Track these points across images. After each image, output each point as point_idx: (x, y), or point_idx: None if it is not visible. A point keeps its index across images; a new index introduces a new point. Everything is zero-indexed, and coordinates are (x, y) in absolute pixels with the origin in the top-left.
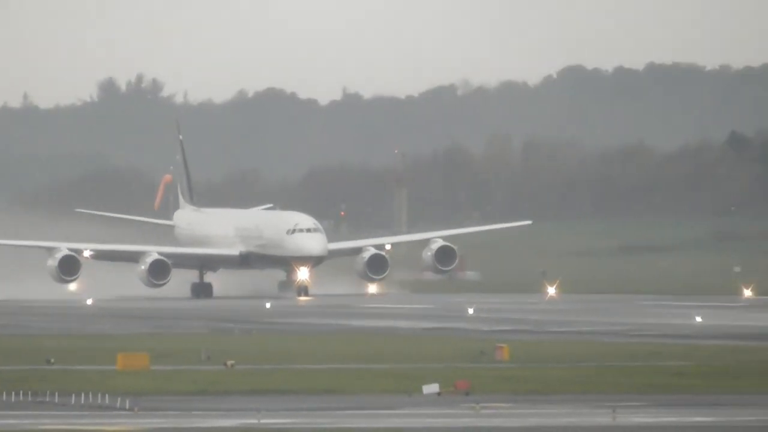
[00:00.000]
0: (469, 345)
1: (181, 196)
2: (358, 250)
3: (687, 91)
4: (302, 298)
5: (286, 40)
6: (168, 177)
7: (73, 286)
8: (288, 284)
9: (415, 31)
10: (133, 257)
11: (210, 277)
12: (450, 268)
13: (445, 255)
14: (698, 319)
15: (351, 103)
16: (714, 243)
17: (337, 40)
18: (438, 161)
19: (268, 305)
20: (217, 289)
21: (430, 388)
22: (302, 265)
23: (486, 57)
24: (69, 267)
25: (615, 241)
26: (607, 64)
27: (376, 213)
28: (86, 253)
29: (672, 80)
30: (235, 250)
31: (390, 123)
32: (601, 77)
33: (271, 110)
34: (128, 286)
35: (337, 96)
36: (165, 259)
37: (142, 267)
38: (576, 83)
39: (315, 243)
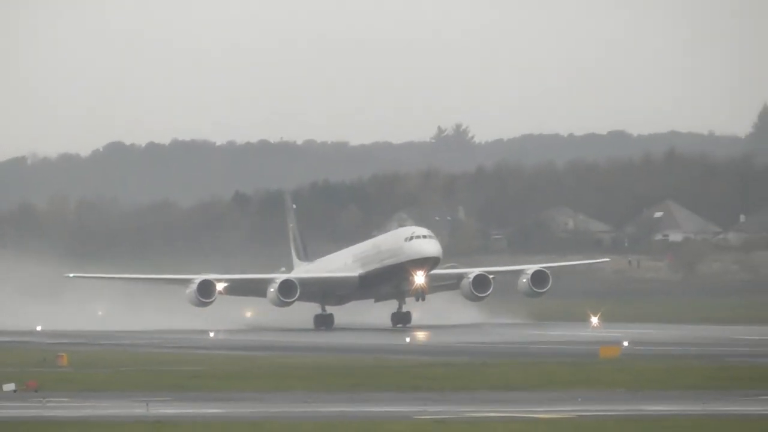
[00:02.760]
0: (36, 354)
1: (295, 257)
2: (461, 276)
3: (203, 160)
4: (410, 322)
5: None
6: None
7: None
8: (399, 315)
9: None
10: (262, 287)
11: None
12: (545, 290)
13: (540, 279)
14: (211, 335)
15: None
16: None
17: None
18: (11, 218)
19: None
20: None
21: (8, 387)
22: (420, 268)
23: (49, 131)
24: (206, 290)
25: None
26: (141, 140)
27: None
28: (219, 287)
29: (191, 152)
30: (354, 273)
31: None
32: (136, 150)
33: None
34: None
35: None
36: (292, 279)
37: (272, 289)
38: (118, 155)
39: (431, 246)
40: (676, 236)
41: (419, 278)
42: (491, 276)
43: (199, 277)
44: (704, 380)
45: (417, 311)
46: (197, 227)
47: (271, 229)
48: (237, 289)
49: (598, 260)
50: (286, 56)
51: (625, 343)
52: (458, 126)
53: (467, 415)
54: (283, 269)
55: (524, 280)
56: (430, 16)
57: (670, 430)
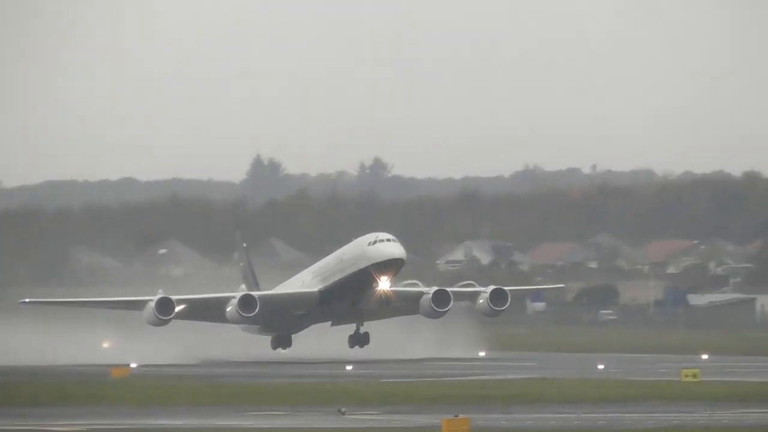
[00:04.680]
0: None
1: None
2: (419, 294)
3: None
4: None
5: None
6: None
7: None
8: (357, 337)
9: None
10: (220, 307)
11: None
12: (504, 308)
13: (499, 297)
14: None
15: None
16: None
17: None
18: None
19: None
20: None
21: None
22: (385, 272)
23: None
24: (165, 308)
25: None
26: None
27: None
28: (177, 308)
29: None
30: (314, 288)
31: None
32: None
33: None
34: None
35: None
36: (253, 294)
37: (229, 307)
38: None
39: (396, 248)
40: (177, 271)
41: (384, 283)
42: (450, 291)
43: (157, 296)
44: (202, 397)
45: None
46: None
47: None
48: (194, 311)
49: (554, 285)
50: None
51: (133, 365)
52: None
53: None
54: (243, 287)
55: (482, 300)
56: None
57: None
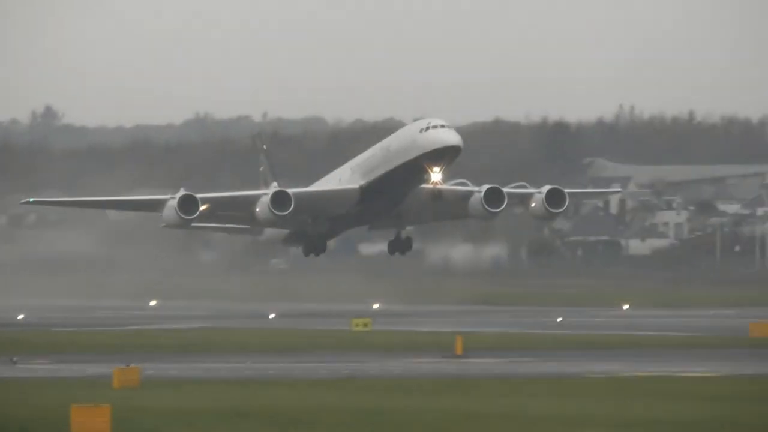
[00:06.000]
0: None
1: None
2: (469, 194)
3: None
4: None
5: None
6: None
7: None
8: (397, 242)
9: None
10: (247, 209)
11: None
12: (561, 210)
13: (555, 198)
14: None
15: None
16: None
17: None
18: None
19: None
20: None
21: None
22: (438, 162)
23: None
24: (188, 206)
25: None
26: None
27: None
28: (202, 207)
29: None
30: (355, 184)
31: None
32: None
33: None
34: None
35: None
36: (287, 190)
37: (259, 208)
38: None
39: (452, 134)
40: None
41: (436, 175)
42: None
43: (179, 193)
44: None
45: None
46: None
47: None
48: (219, 211)
49: (612, 190)
50: None
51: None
52: None
53: None
54: (275, 184)
55: (534, 204)
56: None
57: None
